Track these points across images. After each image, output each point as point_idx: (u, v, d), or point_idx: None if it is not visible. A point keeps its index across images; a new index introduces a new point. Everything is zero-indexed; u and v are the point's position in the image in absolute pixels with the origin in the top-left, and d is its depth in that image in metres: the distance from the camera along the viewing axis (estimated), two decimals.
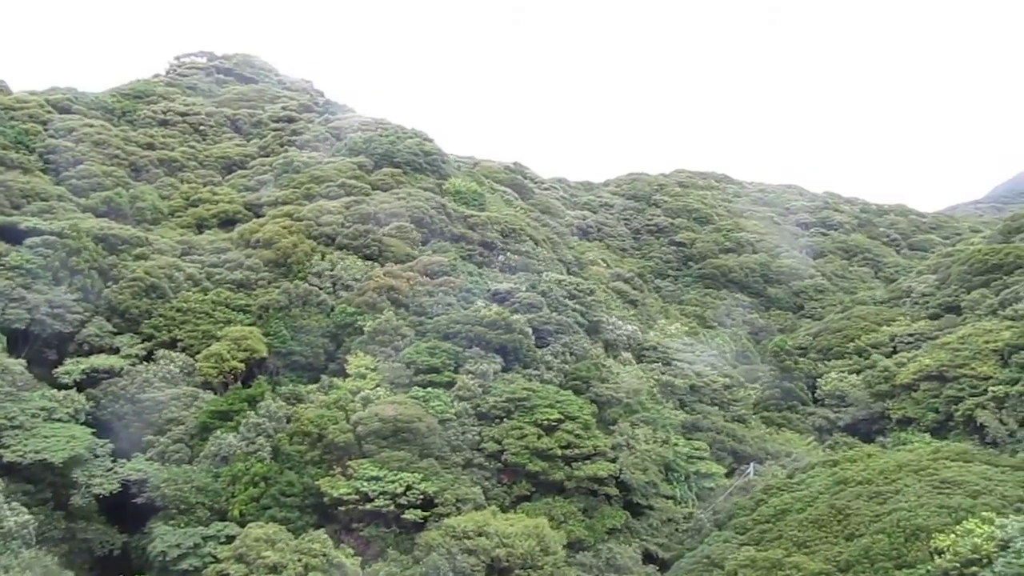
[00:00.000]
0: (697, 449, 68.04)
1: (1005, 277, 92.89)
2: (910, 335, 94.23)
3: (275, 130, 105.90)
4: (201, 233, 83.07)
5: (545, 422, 57.07)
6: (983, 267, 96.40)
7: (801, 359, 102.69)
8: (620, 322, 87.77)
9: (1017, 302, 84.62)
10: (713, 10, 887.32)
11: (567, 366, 66.31)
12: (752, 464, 71.94)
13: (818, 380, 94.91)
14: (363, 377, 61.70)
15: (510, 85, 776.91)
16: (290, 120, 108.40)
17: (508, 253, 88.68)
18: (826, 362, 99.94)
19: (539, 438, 55.91)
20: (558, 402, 59.35)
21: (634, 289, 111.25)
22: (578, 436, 57.15)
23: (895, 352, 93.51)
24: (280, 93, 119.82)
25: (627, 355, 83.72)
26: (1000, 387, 72.08)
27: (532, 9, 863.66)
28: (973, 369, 77.47)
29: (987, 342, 79.83)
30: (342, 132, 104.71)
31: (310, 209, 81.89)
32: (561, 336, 70.40)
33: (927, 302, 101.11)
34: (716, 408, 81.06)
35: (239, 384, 62.06)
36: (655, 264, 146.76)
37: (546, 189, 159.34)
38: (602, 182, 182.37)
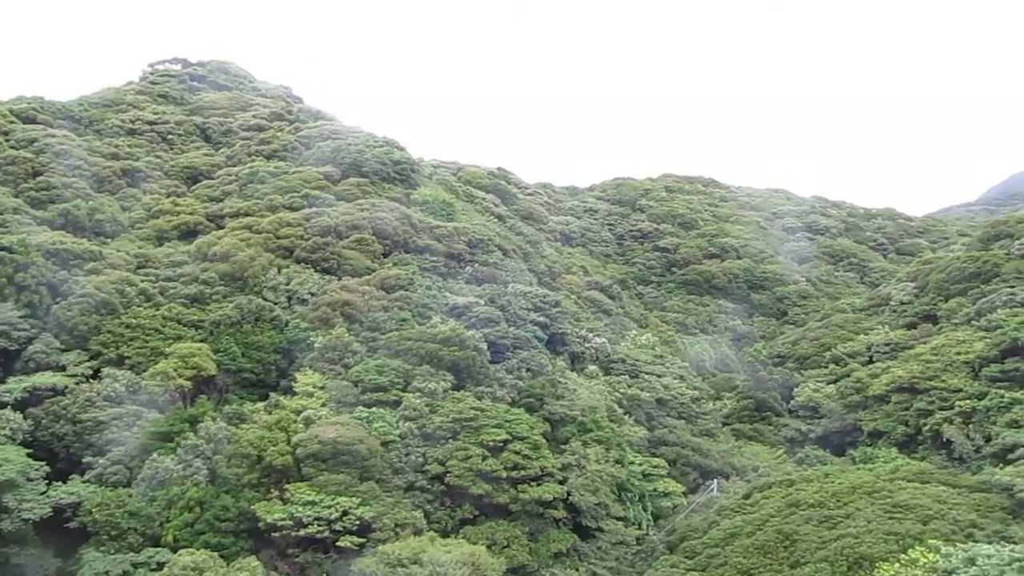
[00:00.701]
0: (656, 467, 66.71)
1: (982, 286, 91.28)
2: (886, 344, 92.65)
3: (244, 139, 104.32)
4: (161, 245, 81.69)
5: (491, 443, 55.55)
6: (960, 275, 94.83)
7: (777, 368, 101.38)
8: (588, 334, 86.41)
9: (993, 311, 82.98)
10: (705, 14, 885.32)
11: (521, 383, 64.74)
12: (715, 480, 70.52)
13: (794, 390, 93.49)
14: (310, 395, 60.30)
15: (501, 88, 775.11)
16: (260, 129, 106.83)
17: (476, 264, 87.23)
18: (803, 371, 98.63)
19: (484, 459, 54.44)
20: (507, 421, 57.82)
21: (610, 298, 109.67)
22: (526, 457, 55.67)
23: (871, 362, 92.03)
24: (253, 100, 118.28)
25: (594, 368, 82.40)
26: (968, 401, 70.70)
27: (532, 9, 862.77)
28: (944, 382, 76.11)
29: (959, 353, 78.45)
30: (311, 141, 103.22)
31: (270, 221, 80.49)
32: (519, 351, 68.98)
33: (905, 310, 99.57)
34: (683, 422, 79.81)
35: (185, 403, 60.78)
36: (638, 270, 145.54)
37: (530, 195, 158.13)
38: (587, 187, 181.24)
